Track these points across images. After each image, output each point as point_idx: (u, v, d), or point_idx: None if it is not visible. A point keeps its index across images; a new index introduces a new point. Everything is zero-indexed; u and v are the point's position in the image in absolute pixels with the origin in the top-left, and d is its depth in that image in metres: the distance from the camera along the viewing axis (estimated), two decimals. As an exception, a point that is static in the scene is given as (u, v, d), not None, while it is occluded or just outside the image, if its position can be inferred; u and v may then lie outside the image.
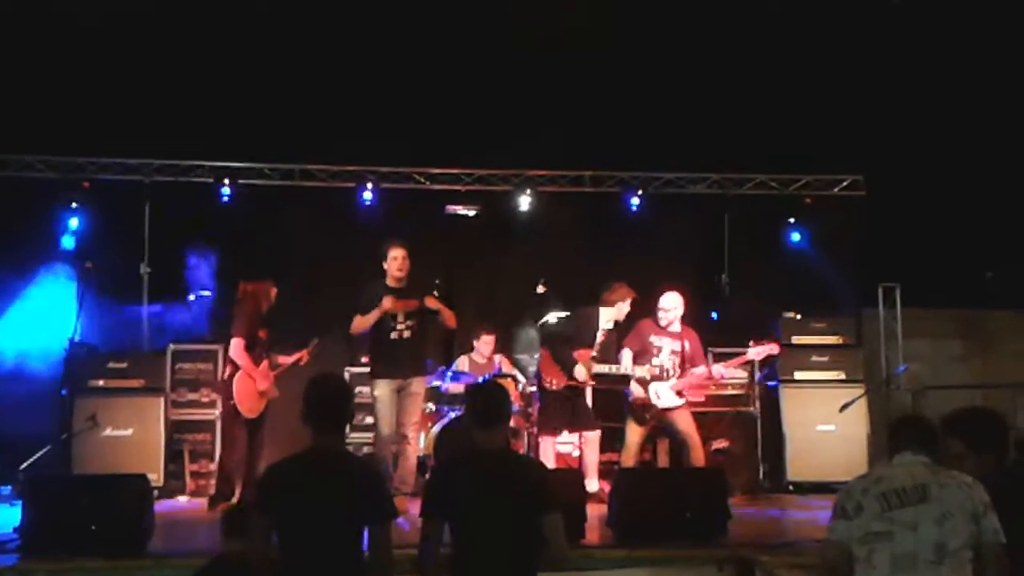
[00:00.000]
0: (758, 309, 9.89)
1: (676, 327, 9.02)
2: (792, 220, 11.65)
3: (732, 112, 10.93)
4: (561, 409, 9.05)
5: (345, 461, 4.42)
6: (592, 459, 9.07)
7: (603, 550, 6.65)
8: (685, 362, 8.91)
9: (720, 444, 10.05)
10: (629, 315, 9.20)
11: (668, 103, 10.91)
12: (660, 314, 8.98)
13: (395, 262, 8.43)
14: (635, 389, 8.88)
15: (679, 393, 8.85)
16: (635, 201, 11.38)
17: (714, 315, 11.18)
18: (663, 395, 8.81)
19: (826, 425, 10.12)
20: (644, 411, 8.84)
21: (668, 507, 6.87)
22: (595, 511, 7.31)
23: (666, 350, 8.93)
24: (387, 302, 8.27)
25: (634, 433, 8.95)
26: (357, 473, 4.36)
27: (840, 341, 10.71)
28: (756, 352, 9.02)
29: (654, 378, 8.80)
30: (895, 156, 11.16)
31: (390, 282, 8.45)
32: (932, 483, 3.83)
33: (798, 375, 10.50)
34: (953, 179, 11.17)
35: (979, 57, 10.72)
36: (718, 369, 8.98)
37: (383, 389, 8.38)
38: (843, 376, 10.50)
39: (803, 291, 11.10)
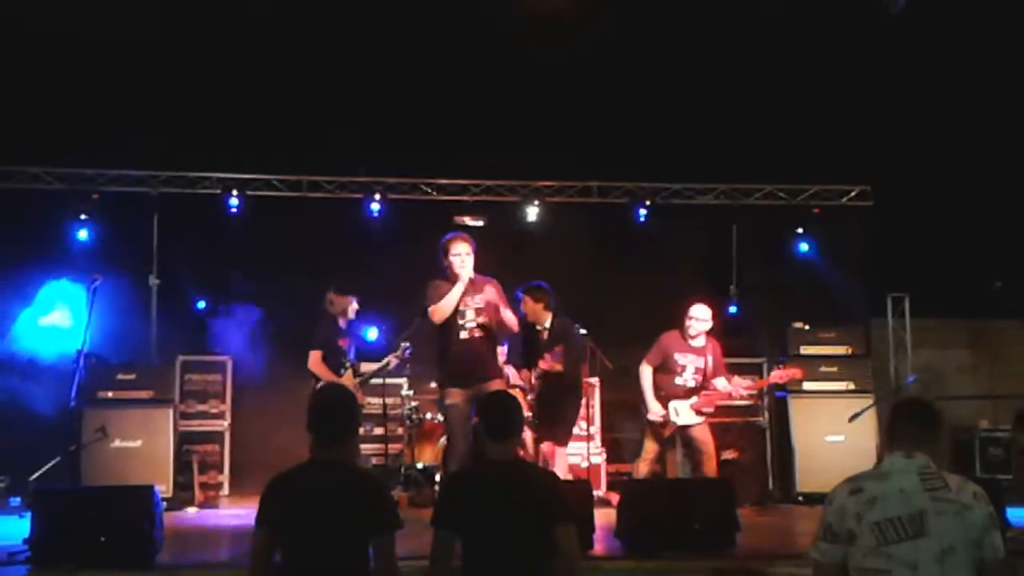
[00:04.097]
0: (767, 320, 9.86)
1: (701, 341, 8.80)
2: (800, 230, 11.65)
3: (740, 123, 10.92)
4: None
5: (347, 472, 4.39)
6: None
7: (611, 561, 6.63)
8: (706, 379, 8.75)
9: (729, 455, 10.02)
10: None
11: (676, 114, 10.92)
12: (690, 323, 8.76)
13: (457, 258, 7.69)
14: (653, 408, 8.72)
15: (699, 412, 8.73)
16: (643, 212, 11.39)
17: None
18: (682, 413, 8.69)
19: (835, 436, 10.10)
20: (663, 428, 8.75)
21: (677, 518, 6.84)
22: (603, 522, 7.29)
23: (690, 369, 8.74)
24: (464, 273, 7.57)
25: (652, 443, 8.83)
26: (359, 484, 4.34)
27: (849, 351, 10.70)
28: (778, 376, 8.93)
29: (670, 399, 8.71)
30: (903, 166, 11.15)
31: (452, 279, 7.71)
32: (929, 510, 3.64)
33: (807, 386, 10.48)
34: (961, 189, 11.15)
35: (986, 67, 10.71)
36: (737, 388, 8.84)
37: (456, 398, 7.59)
38: (852, 386, 10.49)
39: (812, 301, 11.10)
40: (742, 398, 9.54)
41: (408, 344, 9.24)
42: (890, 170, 11.25)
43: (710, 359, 8.76)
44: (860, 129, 10.97)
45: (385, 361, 9.21)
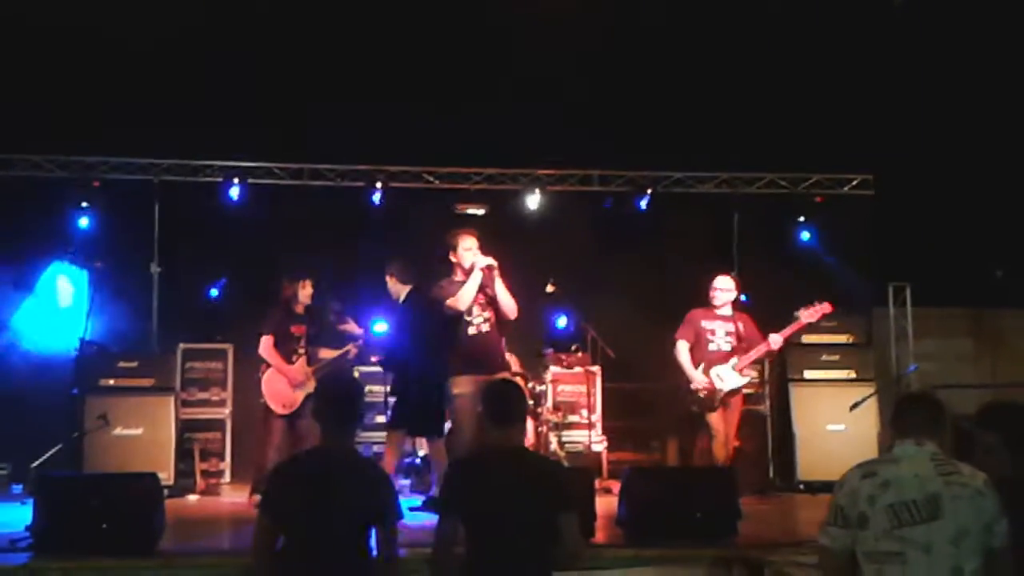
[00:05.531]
0: (768, 308, 9.79)
1: (728, 311, 8.90)
2: (802, 219, 11.61)
3: (741, 111, 10.91)
4: None
5: (352, 460, 4.42)
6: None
7: (612, 549, 6.63)
8: (742, 341, 8.77)
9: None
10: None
11: (677, 102, 10.90)
12: (714, 294, 8.88)
13: (468, 252, 7.75)
14: (698, 378, 8.70)
15: (742, 372, 8.73)
16: (644, 200, 11.37)
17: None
18: (726, 377, 8.68)
19: (836, 424, 10.09)
20: (713, 397, 8.69)
21: (678, 506, 6.84)
22: (604, 510, 7.30)
23: (720, 332, 8.81)
24: (483, 260, 7.61)
25: (718, 421, 8.72)
26: (364, 472, 4.36)
27: (850, 340, 10.69)
28: (809, 314, 8.85)
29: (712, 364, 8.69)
30: (905, 155, 11.14)
31: (460, 276, 7.78)
32: (944, 494, 3.66)
33: (808, 374, 10.48)
34: (963, 177, 11.14)
35: (988, 55, 10.69)
36: (775, 338, 8.72)
37: (466, 387, 7.56)
38: (853, 375, 10.47)
39: (813, 290, 11.06)
40: (780, 349, 9.28)
41: (361, 334, 9.22)
42: (892, 159, 11.24)
43: (740, 325, 8.81)
44: (862, 118, 10.96)
45: (345, 349, 9.13)
